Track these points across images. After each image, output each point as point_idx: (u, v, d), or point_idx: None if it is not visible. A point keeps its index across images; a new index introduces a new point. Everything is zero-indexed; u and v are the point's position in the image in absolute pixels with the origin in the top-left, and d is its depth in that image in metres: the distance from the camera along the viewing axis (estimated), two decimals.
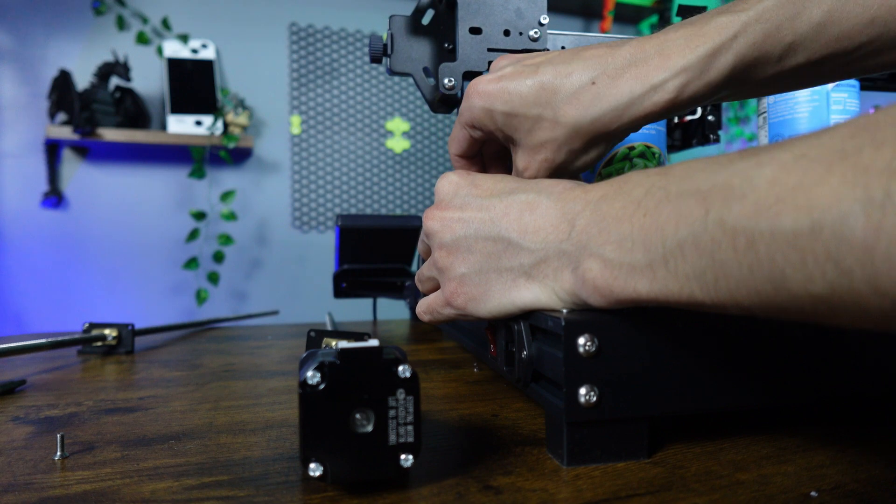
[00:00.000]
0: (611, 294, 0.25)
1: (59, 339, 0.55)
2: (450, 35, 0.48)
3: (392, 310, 1.10)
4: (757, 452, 0.29)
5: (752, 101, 2.43)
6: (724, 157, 0.22)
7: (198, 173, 1.87)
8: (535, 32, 0.46)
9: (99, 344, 0.59)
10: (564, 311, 0.27)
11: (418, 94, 2.24)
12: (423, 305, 0.37)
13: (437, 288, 0.36)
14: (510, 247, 0.30)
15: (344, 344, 0.24)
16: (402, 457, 0.24)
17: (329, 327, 0.54)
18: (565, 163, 0.34)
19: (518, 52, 0.47)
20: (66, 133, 1.75)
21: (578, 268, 0.27)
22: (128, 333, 0.60)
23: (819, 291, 0.17)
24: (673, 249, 0.22)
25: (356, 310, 1.52)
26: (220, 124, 1.89)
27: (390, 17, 0.47)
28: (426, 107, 2.28)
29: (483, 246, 0.31)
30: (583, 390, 0.26)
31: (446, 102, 0.48)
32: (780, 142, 0.20)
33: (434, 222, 0.34)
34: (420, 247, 0.39)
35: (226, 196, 1.94)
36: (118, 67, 1.81)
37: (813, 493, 0.24)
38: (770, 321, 0.28)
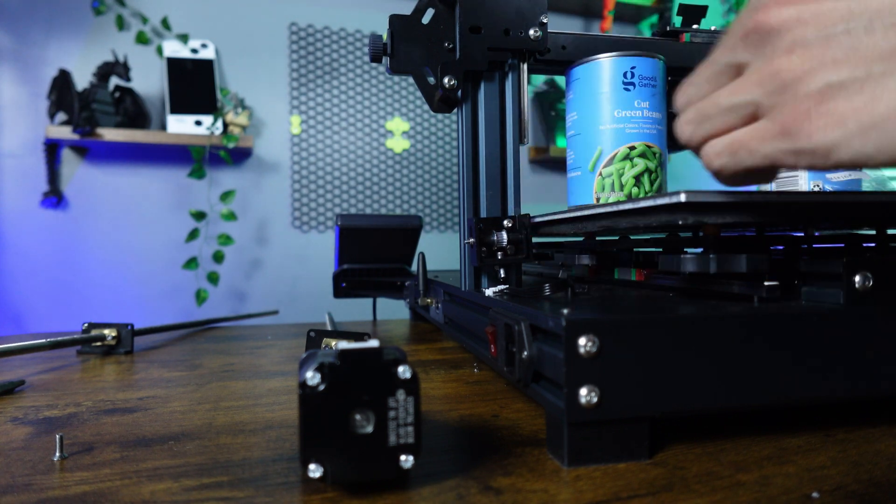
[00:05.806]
0: None
1: (59, 339, 0.54)
2: (450, 34, 0.47)
3: (392, 310, 1.10)
4: (758, 453, 0.29)
5: None
6: None
7: (197, 173, 1.87)
8: (535, 32, 0.46)
9: (98, 344, 0.59)
10: (565, 311, 0.27)
11: (418, 93, 2.24)
12: (720, 144, 0.27)
13: (732, 125, 0.27)
14: None
15: (344, 344, 0.24)
16: (403, 457, 0.24)
17: (329, 327, 0.54)
18: None
19: (519, 52, 0.47)
20: (65, 133, 1.75)
21: None
22: (127, 333, 0.60)
23: None
24: None
25: (356, 310, 1.52)
26: (219, 124, 1.89)
27: (390, 17, 0.47)
28: (426, 106, 2.28)
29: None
30: (583, 391, 0.26)
31: (446, 102, 0.48)
32: None
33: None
34: (693, 89, 0.28)
35: (225, 196, 1.94)
36: (118, 67, 1.81)
37: (814, 494, 0.24)
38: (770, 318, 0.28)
